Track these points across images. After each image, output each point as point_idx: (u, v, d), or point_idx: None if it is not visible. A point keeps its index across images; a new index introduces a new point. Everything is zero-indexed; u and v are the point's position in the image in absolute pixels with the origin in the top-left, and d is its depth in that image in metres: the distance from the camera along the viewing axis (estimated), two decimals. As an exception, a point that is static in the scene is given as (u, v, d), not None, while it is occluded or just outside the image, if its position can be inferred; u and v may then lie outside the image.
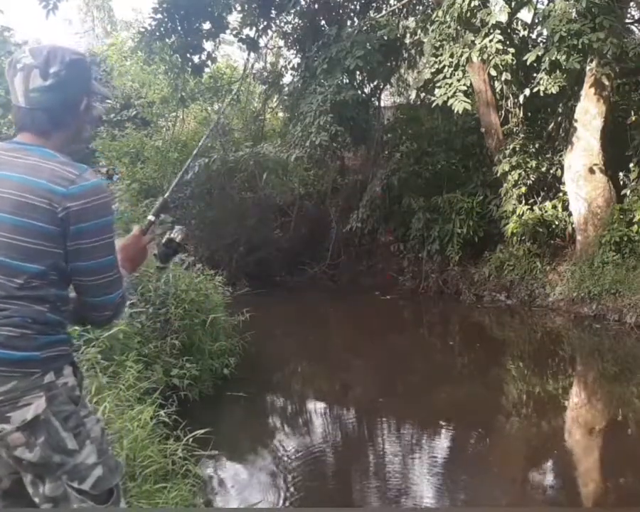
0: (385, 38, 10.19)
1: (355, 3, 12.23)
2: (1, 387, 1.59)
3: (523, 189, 9.07)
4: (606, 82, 8.14)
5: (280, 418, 5.38)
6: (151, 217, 2.02)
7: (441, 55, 9.01)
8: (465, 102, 8.51)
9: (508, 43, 8.50)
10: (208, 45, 11.89)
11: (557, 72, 7.96)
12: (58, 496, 1.69)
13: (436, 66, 9.50)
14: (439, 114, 10.44)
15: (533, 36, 10.35)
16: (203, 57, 11.74)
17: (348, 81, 10.28)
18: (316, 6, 11.98)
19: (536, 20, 10.17)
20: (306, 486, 4.00)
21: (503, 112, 9.63)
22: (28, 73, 1.67)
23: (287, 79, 13.10)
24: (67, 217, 1.62)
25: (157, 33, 11.04)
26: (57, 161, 1.67)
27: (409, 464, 4.30)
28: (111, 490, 1.74)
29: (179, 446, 3.42)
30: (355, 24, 11.34)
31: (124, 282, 1.79)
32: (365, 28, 10.46)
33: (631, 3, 9.12)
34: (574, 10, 7.47)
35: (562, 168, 9.02)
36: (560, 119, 9.58)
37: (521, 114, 9.56)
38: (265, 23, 12.07)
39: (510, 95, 9.46)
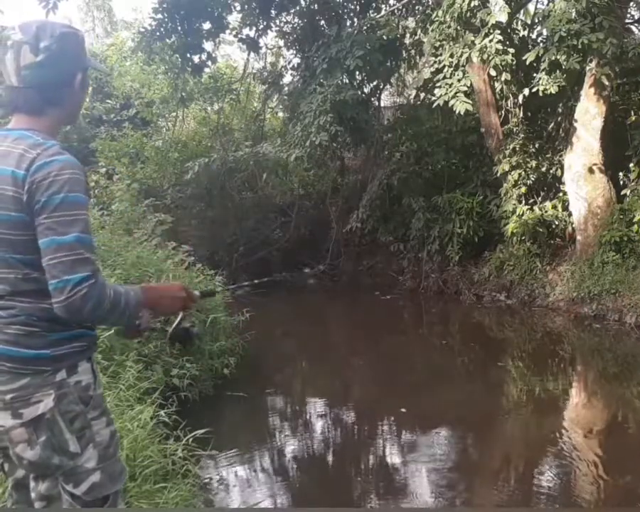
0: (385, 38, 10.17)
1: (355, 3, 12.22)
2: (14, 383, 1.58)
3: (523, 189, 9.07)
4: (606, 82, 8.13)
5: (280, 418, 5.38)
6: (197, 293, 1.90)
7: (441, 55, 9.00)
8: (466, 102, 8.52)
9: (508, 43, 8.49)
10: (208, 45, 11.93)
11: (557, 72, 7.95)
12: (53, 495, 1.68)
13: (436, 66, 9.50)
14: (439, 114, 10.44)
15: (533, 36, 10.36)
16: (203, 57, 11.76)
17: (348, 81, 10.28)
18: (316, 6, 11.99)
19: (536, 20, 10.18)
20: (306, 485, 4.00)
21: (503, 112, 9.62)
22: (19, 50, 1.59)
23: (287, 79, 13.14)
24: (28, 200, 1.53)
25: (157, 33, 11.05)
26: (28, 142, 1.57)
27: (409, 463, 4.30)
28: (106, 497, 1.68)
29: (179, 446, 3.42)
30: (355, 24, 11.34)
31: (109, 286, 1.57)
32: (365, 28, 10.46)
33: (631, 3, 9.11)
34: (574, 10, 7.46)
35: (562, 168, 9.01)
36: (559, 119, 9.57)
37: (521, 114, 9.55)
38: (265, 23, 12.09)
39: (510, 95, 9.46)
